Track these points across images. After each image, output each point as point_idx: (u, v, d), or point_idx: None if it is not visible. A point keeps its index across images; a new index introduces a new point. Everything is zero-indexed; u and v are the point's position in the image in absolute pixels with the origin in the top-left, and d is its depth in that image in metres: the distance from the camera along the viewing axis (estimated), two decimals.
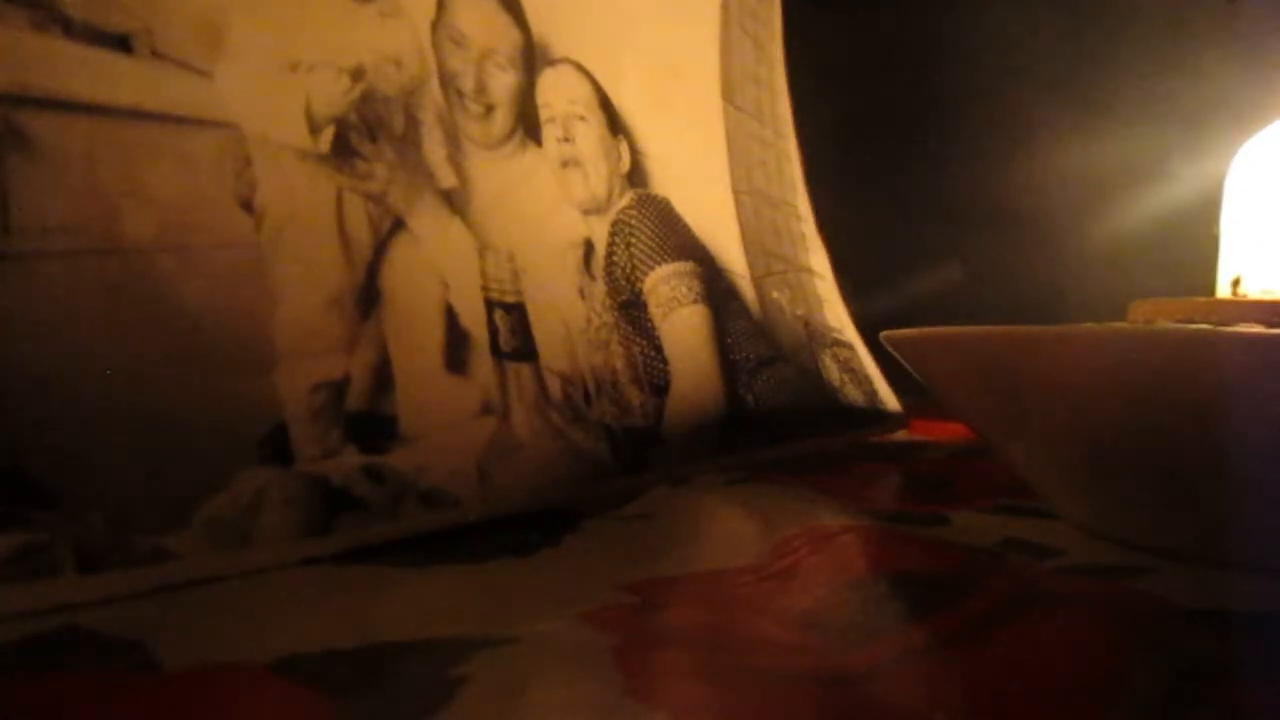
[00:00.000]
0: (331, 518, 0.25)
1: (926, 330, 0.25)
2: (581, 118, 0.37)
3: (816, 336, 0.46)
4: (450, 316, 0.30)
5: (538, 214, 0.35)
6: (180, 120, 0.25)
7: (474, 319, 0.31)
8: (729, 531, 0.30)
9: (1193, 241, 0.43)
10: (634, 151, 0.39)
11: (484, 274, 0.32)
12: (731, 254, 0.43)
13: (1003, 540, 0.26)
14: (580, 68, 0.38)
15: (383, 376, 0.28)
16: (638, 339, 0.37)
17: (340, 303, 0.28)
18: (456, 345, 0.30)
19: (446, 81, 0.33)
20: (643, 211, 0.39)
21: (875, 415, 0.47)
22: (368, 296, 0.28)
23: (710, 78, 0.45)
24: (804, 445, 0.42)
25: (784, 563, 0.23)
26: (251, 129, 0.26)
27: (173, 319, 0.24)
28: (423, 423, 0.28)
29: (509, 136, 0.35)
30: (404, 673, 0.16)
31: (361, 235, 0.29)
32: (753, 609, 0.20)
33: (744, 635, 0.18)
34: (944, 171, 0.65)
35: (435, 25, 0.32)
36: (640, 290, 0.38)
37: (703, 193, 0.43)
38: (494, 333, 0.31)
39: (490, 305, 0.32)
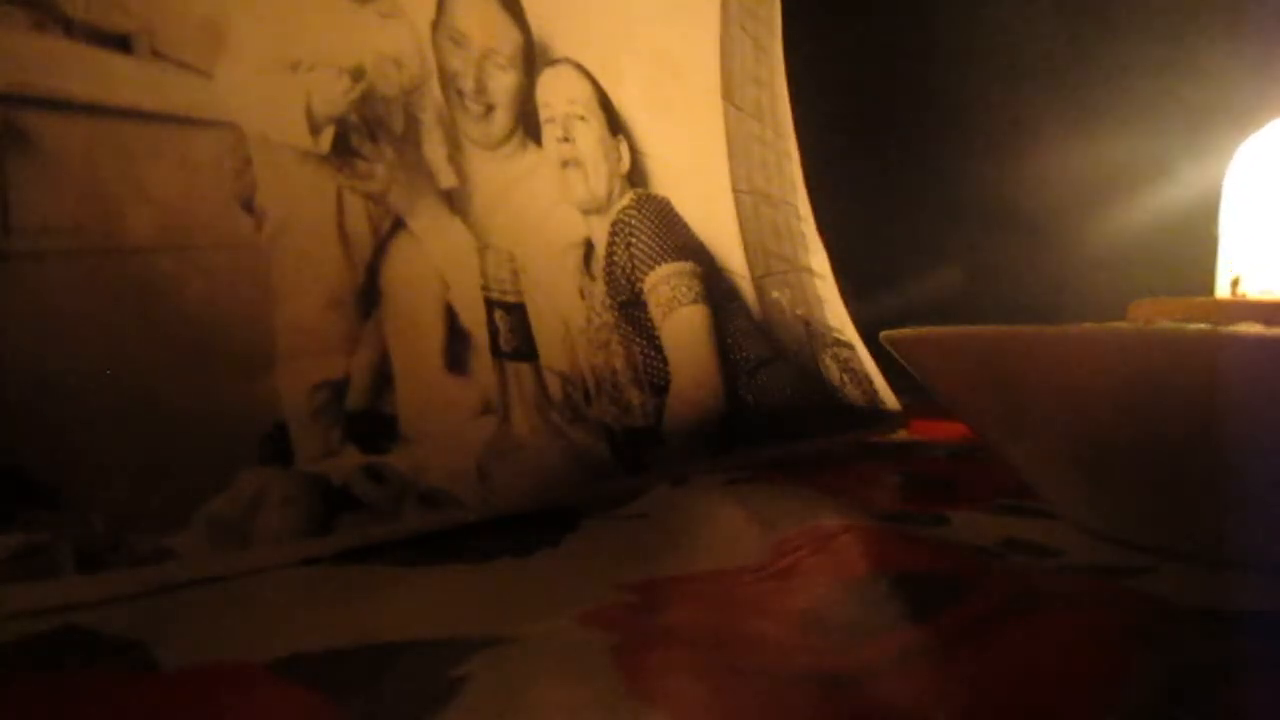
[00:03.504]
0: (331, 518, 0.25)
1: (926, 330, 0.25)
2: (581, 118, 0.37)
3: (816, 336, 0.46)
4: (450, 316, 0.30)
5: (538, 214, 0.35)
6: (180, 120, 0.25)
7: (474, 319, 0.31)
8: (729, 531, 0.30)
9: (1193, 241, 0.43)
10: (634, 151, 0.39)
11: (484, 274, 0.32)
12: (731, 254, 0.43)
13: (1003, 540, 0.26)
14: (580, 68, 0.38)
15: (383, 376, 0.28)
16: (638, 339, 0.37)
17: (340, 303, 0.28)
18: (456, 345, 0.30)
19: (446, 81, 0.33)
20: (643, 211, 0.39)
21: (875, 415, 0.47)
22: (368, 296, 0.28)
23: (710, 78, 0.45)
24: (804, 445, 0.42)
25: (784, 563, 0.23)
26: (251, 129, 0.26)
27: (173, 319, 0.24)
28: (423, 423, 0.28)
29: (509, 136, 0.35)
30: (404, 673, 0.16)
31: (361, 235, 0.29)
32: (753, 609, 0.20)
33: (744, 635, 0.18)
34: (944, 171, 0.65)
35: (435, 25, 0.32)
36: (640, 290, 0.38)
37: (703, 193, 0.43)
38: (494, 333, 0.31)
39: (490, 305, 0.32)
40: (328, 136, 0.28)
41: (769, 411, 0.41)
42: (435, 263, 0.30)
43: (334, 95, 0.29)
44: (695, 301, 0.39)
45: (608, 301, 0.36)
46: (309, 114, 0.28)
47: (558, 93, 0.37)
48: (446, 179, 0.32)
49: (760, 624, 0.19)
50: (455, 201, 0.32)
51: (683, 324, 0.39)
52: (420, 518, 0.27)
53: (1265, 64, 0.55)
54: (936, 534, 0.27)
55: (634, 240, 0.38)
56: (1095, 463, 0.23)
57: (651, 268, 0.38)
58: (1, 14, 0.22)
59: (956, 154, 0.65)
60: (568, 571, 0.24)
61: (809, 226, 0.50)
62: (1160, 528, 0.23)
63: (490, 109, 0.34)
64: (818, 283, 0.49)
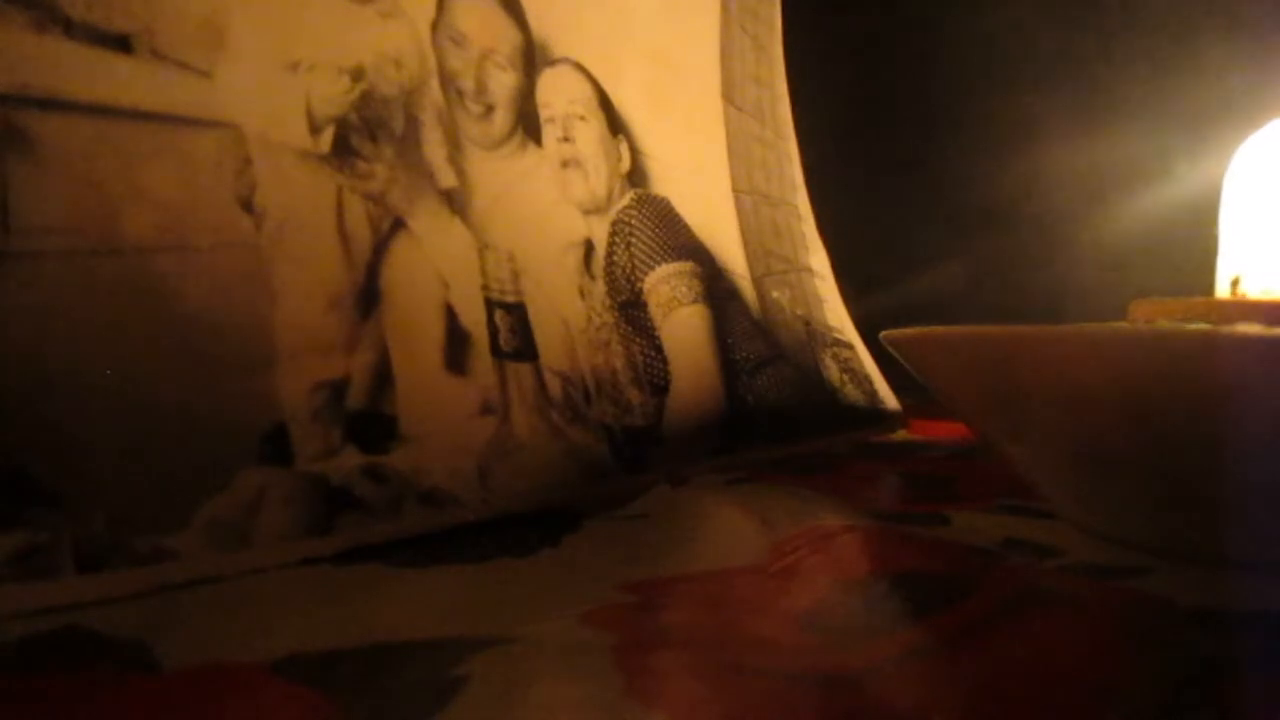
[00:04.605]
0: (331, 518, 0.25)
1: (926, 330, 0.25)
2: (581, 118, 0.37)
3: (816, 336, 0.46)
4: (450, 316, 0.30)
5: (538, 214, 0.35)
6: (180, 120, 0.25)
7: (474, 319, 0.31)
8: (729, 531, 0.30)
9: (1193, 241, 0.43)
10: (634, 151, 0.39)
11: (484, 274, 0.32)
12: (731, 254, 0.43)
13: (1003, 540, 0.26)
14: (580, 68, 0.38)
15: (383, 376, 0.28)
16: (638, 339, 0.37)
17: (340, 303, 0.28)
18: (456, 345, 0.30)
19: (446, 81, 0.33)
20: (643, 211, 0.39)
21: (875, 415, 0.47)
22: (368, 296, 0.28)
23: (710, 78, 0.45)
24: (804, 445, 0.42)
25: (784, 563, 0.23)
26: (251, 129, 0.26)
27: (173, 319, 0.24)
28: (423, 423, 0.28)
29: (509, 136, 0.35)
30: (404, 673, 0.16)
31: (361, 235, 0.29)
32: (753, 609, 0.20)
33: (744, 635, 0.18)
34: (944, 171, 0.65)
35: (435, 25, 0.32)
36: (640, 290, 0.38)
37: (703, 193, 0.43)
38: (494, 333, 0.31)
39: (490, 305, 0.32)
40: (328, 136, 0.28)
41: (769, 411, 0.41)
42: (435, 263, 0.30)
43: (334, 95, 0.29)
44: (695, 301, 0.39)
45: (608, 301, 0.36)
46: (309, 114, 0.28)
47: (558, 92, 0.37)
48: (446, 179, 0.32)
49: (760, 624, 0.19)
50: (455, 201, 0.32)
51: (683, 324, 0.39)
52: (420, 518, 0.27)
53: (1265, 63, 0.55)
54: (936, 534, 0.27)
55: (634, 240, 0.38)
56: (1095, 463, 0.23)
57: (651, 268, 0.38)
58: (1, 14, 0.22)
59: (957, 154, 0.65)
60: (568, 571, 0.24)
61: (809, 226, 0.50)
62: (1160, 528, 0.23)
63: (490, 109, 0.34)
64: (818, 283, 0.49)
